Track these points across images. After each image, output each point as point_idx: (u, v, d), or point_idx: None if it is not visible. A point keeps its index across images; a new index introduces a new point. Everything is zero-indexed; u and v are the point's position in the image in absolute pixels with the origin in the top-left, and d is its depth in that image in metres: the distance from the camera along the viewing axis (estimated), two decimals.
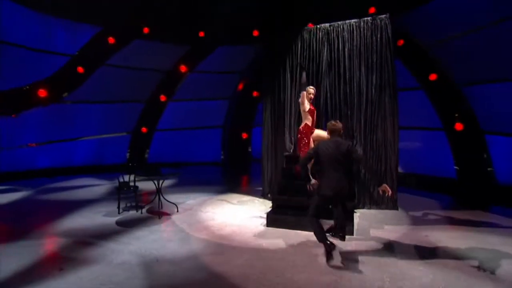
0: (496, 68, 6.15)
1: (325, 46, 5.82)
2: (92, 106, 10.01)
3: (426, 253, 3.91)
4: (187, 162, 11.25)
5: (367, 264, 3.60)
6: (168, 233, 4.65)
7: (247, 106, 11.38)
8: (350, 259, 3.73)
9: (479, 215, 5.39)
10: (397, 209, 5.48)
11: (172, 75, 10.66)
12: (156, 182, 5.54)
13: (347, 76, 5.68)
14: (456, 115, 6.92)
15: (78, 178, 9.18)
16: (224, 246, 4.17)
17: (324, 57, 5.83)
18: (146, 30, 9.58)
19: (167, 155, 11.27)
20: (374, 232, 4.57)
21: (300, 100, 5.15)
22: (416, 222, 5.03)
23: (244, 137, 11.59)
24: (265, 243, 4.26)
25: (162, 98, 10.83)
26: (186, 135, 11.41)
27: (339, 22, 5.71)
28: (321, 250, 3.92)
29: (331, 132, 3.95)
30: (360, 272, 3.42)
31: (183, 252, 3.99)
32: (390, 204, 5.51)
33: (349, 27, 5.65)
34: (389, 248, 4.05)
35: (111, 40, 9.24)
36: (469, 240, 4.25)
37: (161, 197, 5.64)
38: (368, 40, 5.53)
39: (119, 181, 5.71)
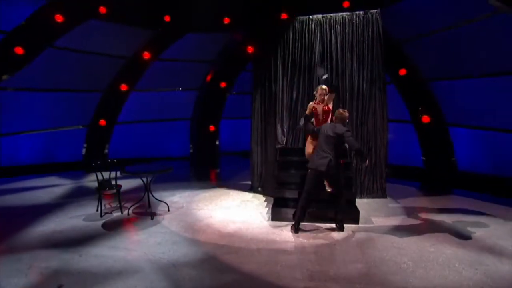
0: (460, 66, 6.86)
1: (318, 37, 5.92)
2: (39, 94, 8.85)
3: (429, 235, 4.26)
4: (153, 158, 10.64)
5: (385, 251, 3.82)
6: (170, 235, 4.38)
7: (215, 98, 11.11)
8: (368, 247, 3.92)
9: (451, 198, 6.13)
10: (386, 197, 5.87)
11: (134, 62, 9.89)
12: (144, 180, 5.15)
13: (339, 69, 5.86)
14: (420, 108, 7.56)
15: (28, 179, 8.11)
16: (237, 244, 4.07)
17: (317, 49, 5.93)
18: (102, 9, 8.66)
19: (130, 150, 10.55)
20: (376, 220, 4.84)
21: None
22: (408, 208, 5.44)
23: (212, 130, 11.33)
24: (278, 237, 4.26)
25: (123, 87, 10.02)
26: (151, 128, 10.78)
27: (332, 14, 5.84)
28: (338, 238, 4.15)
29: (336, 118, 4.46)
30: (383, 259, 3.62)
31: (196, 254, 3.81)
32: (380, 193, 5.89)
33: (341, 20, 5.82)
34: (397, 234, 4.34)
35: (58, 17, 8.16)
36: (460, 218, 4.76)
37: (150, 195, 5.26)
38: (359, 34, 5.76)
39: (98, 180, 5.19)
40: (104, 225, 4.73)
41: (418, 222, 4.76)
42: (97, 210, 5.32)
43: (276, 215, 4.89)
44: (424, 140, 7.58)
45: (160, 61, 10.05)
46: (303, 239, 4.21)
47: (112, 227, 4.65)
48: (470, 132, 7.04)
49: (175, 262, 3.61)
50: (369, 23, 5.71)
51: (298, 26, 6.02)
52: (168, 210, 5.39)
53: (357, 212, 4.76)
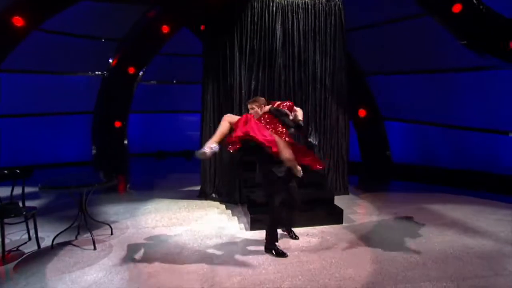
0: (394, 61, 7.63)
1: (279, 21, 5.57)
2: None
3: (418, 224, 4.52)
4: (40, 165, 8.39)
5: (392, 246, 3.81)
6: (133, 270, 3.34)
7: (121, 86, 9.51)
8: (368, 245, 3.85)
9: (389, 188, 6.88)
10: (348, 193, 6.04)
11: None
12: (84, 196, 3.83)
13: (302, 58, 5.68)
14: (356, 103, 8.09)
15: None
16: (231, 265, 3.41)
17: (278, 34, 5.59)
18: None
19: (4, 155, 8.06)
20: (357, 218, 4.84)
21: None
22: (373, 201, 5.67)
23: (118, 126, 9.69)
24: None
25: None
26: (36, 125, 8.47)
27: None
28: (337, 240, 4.00)
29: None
30: (395, 255, 3.58)
31: None
32: (343, 189, 6.02)
33: (304, 5, 5.62)
34: (388, 228, 4.42)
35: None
36: (426, 208, 5.20)
37: (86, 216, 3.95)
38: (322, 22, 5.68)
39: (0, 204, 3.61)
40: (23, 269, 3.28)
41: (396, 214, 4.98)
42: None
43: (255, 224, 4.37)
44: (361, 134, 8.19)
45: (47, 33, 7.92)
46: (304, 245, 3.85)
47: (31, 271, 3.26)
48: (402, 126, 7.96)
49: None
50: (331, 11, 5.70)
51: (257, 5, 5.54)
52: (112, 234, 4.18)
53: (339, 210, 4.69)
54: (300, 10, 5.61)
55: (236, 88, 5.51)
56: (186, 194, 6.05)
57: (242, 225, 4.56)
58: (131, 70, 9.33)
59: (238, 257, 3.61)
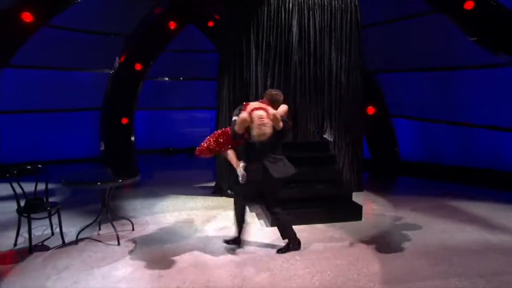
0: (403, 59, 7.65)
1: (295, 18, 5.59)
2: None
3: (438, 220, 4.60)
4: (47, 161, 8.32)
5: (414, 241, 3.85)
6: (161, 266, 3.35)
7: (128, 83, 9.49)
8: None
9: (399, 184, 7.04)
10: (363, 190, 6.08)
11: (7, 25, 7.32)
12: (107, 192, 3.84)
13: (318, 55, 5.70)
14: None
15: None
16: (258, 260, 3.44)
17: (294, 31, 5.60)
18: None
19: (11, 152, 8.02)
20: (375, 214, 4.89)
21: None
22: (388, 197, 5.70)
23: (125, 122, 9.68)
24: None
25: None
26: (44, 121, 8.43)
27: None
28: (359, 236, 4.04)
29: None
30: (419, 251, 3.62)
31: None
32: (357, 186, 6.05)
33: (320, 2, 5.64)
34: (407, 224, 4.48)
35: None
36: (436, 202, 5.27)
37: (109, 212, 3.96)
38: (338, 20, 5.70)
39: (27, 199, 3.62)
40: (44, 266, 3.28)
41: (413, 209, 5.01)
42: (15, 245, 3.70)
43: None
44: (369, 131, 8.22)
45: (55, 28, 7.88)
46: (329, 242, 3.87)
47: (62, 265, 3.27)
48: (410, 123, 8.01)
49: None
50: (347, 8, 5.72)
51: (273, 1, 5.54)
52: (133, 229, 4.19)
53: (358, 207, 4.72)
54: (317, 7, 5.63)
55: (252, 84, 5.52)
56: (200, 190, 6.07)
57: (262, 221, 4.58)
58: (138, 67, 9.33)
59: (263, 252, 3.63)
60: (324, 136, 5.74)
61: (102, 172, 5.29)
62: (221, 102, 5.69)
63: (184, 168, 8.46)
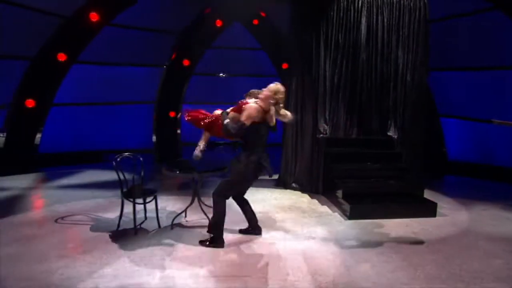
0: (452, 58, 7.48)
1: (364, 16, 5.54)
2: None
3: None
4: (106, 150, 8.59)
5: (502, 242, 3.78)
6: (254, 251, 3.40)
7: (176, 78, 9.63)
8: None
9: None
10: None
11: (76, 24, 7.60)
12: (200, 181, 3.92)
13: (385, 53, 5.64)
14: None
15: None
16: (362, 253, 3.43)
17: (362, 29, 5.55)
18: None
19: (71, 141, 8.28)
20: (447, 212, 4.78)
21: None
22: (453, 196, 5.62)
23: (172, 116, 9.83)
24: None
25: (61, 56, 7.64)
26: (101, 113, 8.63)
27: None
28: (440, 233, 3.98)
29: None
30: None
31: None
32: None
33: (389, 0, 5.56)
34: (486, 223, 4.38)
35: None
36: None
37: (200, 200, 4.04)
38: (406, 18, 5.62)
39: (130, 186, 3.74)
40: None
41: (486, 211, 4.94)
42: (118, 227, 3.82)
43: (354, 214, 4.41)
44: None
45: (113, 27, 8.05)
46: (417, 236, 3.85)
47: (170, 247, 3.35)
48: (459, 123, 7.82)
49: None
50: (416, 6, 5.62)
51: (343, 1, 5.50)
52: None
53: (433, 204, 4.67)
54: (385, 5, 5.56)
55: (320, 81, 5.51)
56: (262, 183, 6.07)
57: (336, 214, 4.58)
58: (186, 63, 9.46)
59: (351, 244, 3.63)
60: (388, 133, 5.67)
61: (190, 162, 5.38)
62: (290, 97, 5.68)
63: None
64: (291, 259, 3.27)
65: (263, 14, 9.74)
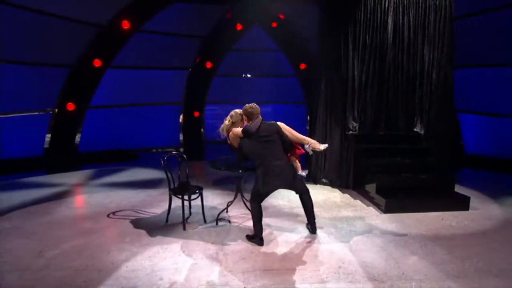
0: (468, 54, 7.22)
1: (390, 16, 5.39)
2: None
3: None
4: (137, 149, 8.66)
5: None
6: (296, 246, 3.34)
7: (200, 80, 9.62)
8: None
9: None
10: None
11: (110, 33, 7.67)
12: (243, 178, 3.88)
13: (411, 52, 5.48)
14: None
15: None
16: (406, 245, 3.33)
17: (389, 29, 5.40)
18: None
19: (106, 141, 8.34)
20: (478, 206, 4.63)
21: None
22: (479, 190, 5.36)
23: (196, 115, 9.84)
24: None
25: (97, 62, 7.72)
26: (132, 114, 8.68)
27: None
28: (478, 226, 3.83)
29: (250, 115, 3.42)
30: None
31: None
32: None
33: (414, 0, 5.40)
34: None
35: None
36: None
37: (242, 196, 4.00)
38: (432, 16, 5.44)
39: (179, 183, 3.72)
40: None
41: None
42: (167, 222, 3.82)
43: (389, 208, 4.30)
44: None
45: (142, 33, 8.07)
46: (456, 230, 3.73)
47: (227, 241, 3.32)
48: (476, 118, 7.59)
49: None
50: (441, 5, 5.43)
51: (370, 0, 5.36)
52: None
53: (465, 197, 4.52)
54: (411, 5, 5.40)
55: (349, 80, 5.40)
56: None
57: (370, 208, 4.49)
58: (209, 65, 9.45)
59: (392, 238, 3.56)
60: (415, 130, 5.53)
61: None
62: (319, 96, 5.61)
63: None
64: (338, 252, 3.21)
65: (282, 17, 9.63)
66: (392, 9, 5.38)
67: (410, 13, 5.42)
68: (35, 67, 6.81)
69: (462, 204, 4.43)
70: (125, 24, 7.70)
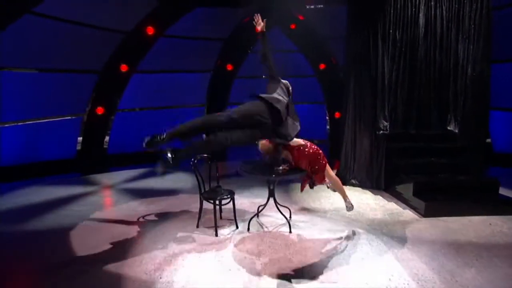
0: (498, 49, 6.58)
1: (422, 10, 4.89)
2: (16, 75, 6.02)
3: None
4: (164, 150, 8.40)
5: None
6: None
7: (221, 82, 9.33)
8: None
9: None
10: None
11: (136, 38, 7.49)
12: (275, 183, 3.52)
13: (444, 47, 4.96)
14: None
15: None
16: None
17: (420, 23, 4.90)
18: None
19: (133, 142, 8.12)
20: None
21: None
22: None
23: None
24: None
25: (123, 67, 7.55)
26: (158, 117, 8.46)
27: None
28: None
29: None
30: None
31: None
32: None
33: None
34: None
35: None
36: None
37: (275, 201, 3.63)
38: (467, 9, 4.90)
39: (211, 187, 3.40)
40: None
41: None
42: (197, 226, 3.50)
43: (429, 211, 3.84)
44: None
45: (166, 37, 7.85)
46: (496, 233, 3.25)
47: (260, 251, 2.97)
48: (507, 115, 6.93)
49: None
50: None
51: None
52: (290, 217, 3.83)
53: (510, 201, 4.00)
54: None
55: (378, 78, 4.94)
56: None
57: (407, 211, 4.04)
58: (230, 67, 9.14)
59: (439, 246, 3.12)
60: (448, 128, 5.01)
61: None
62: (347, 96, 5.17)
63: None
64: (385, 260, 2.80)
65: (301, 18, 9.20)
66: (423, 2, 4.88)
67: (443, 6, 4.90)
68: (66, 73, 6.71)
69: (510, 207, 3.91)
70: (150, 30, 7.54)
